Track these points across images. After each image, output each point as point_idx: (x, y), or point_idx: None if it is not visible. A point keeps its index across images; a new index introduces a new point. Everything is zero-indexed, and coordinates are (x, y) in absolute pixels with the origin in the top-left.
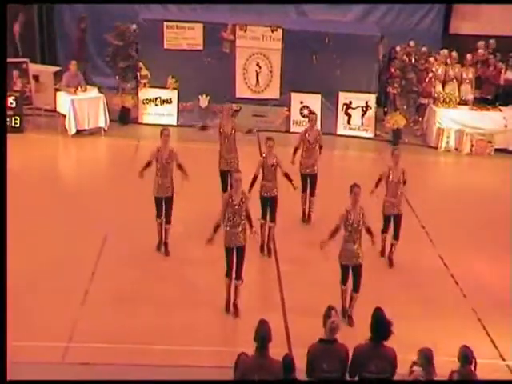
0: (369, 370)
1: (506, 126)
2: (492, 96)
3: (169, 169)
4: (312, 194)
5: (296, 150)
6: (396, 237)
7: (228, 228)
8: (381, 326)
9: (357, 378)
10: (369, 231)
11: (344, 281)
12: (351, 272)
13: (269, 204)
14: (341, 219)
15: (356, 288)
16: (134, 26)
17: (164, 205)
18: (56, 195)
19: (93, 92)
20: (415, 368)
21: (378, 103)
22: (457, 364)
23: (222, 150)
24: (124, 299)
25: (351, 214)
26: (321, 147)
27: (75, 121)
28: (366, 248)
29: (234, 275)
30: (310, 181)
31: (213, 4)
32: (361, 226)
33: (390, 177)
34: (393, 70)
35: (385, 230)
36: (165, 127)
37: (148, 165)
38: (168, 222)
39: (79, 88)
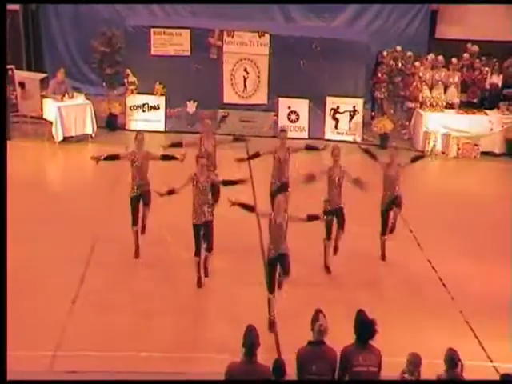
0: (357, 362)
1: (491, 130)
2: (478, 100)
3: (144, 170)
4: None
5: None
6: (391, 229)
7: (196, 206)
8: (365, 327)
9: (346, 378)
10: (356, 181)
11: (328, 234)
12: (336, 216)
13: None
14: (321, 173)
15: (341, 227)
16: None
17: (142, 200)
18: (43, 202)
19: (79, 99)
20: (406, 376)
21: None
22: (443, 367)
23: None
24: (112, 306)
25: (333, 170)
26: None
27: (62, 128)
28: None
29: (203, 253)
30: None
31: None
32: (341, 182)
33: (387, 172)
34: (380, 75)
35: (383, 232)
36: (139, 131)
37: (115, 157)
38: (147, 209)
39: (66, 95)
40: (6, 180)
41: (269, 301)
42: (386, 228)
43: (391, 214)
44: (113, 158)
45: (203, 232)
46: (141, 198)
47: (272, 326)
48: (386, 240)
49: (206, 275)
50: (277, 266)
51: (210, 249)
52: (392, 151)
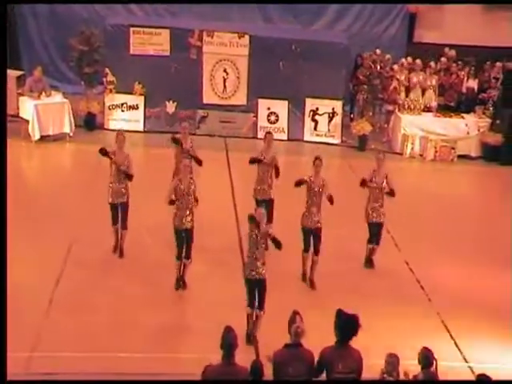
0: (337, 369)
1: (468, 133)
2: (455, 103)
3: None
4: (269, 220)
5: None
6: (377, 242)
7: (176, 210)
8: (348, 324)
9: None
10: (330, 199)
11: (306, 247)
12: (312, 236)
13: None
14: (305, 182)
15: (316, 251)
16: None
17: (119, 211)
18: (19, 202)
19: (57, 97)
20: (385, 376)
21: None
22: (419, 367)
23: (177, 169)
24: (89, 307)
25: (313, 181)
26: (277, 170)
27: (39, 126)
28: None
29: (183, 255)
30: (265, 207)
31: (181, 5)
32: (321, 192)
33: (373, 181)
34: (361, 77)
35: (370, 240)
36: (120, 131)
37: (106, 153)
38: (124, 227)
39: (43, 93)
40: (6, 180)
41: (248, 316)
42: (372, 235)
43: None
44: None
45: (184, 237)
46: (119, 208)
47: (250, 338)
48: (373, 247)
49: (184, 287)
50: (255, 288)
51: (187, 256)
52: (379, 157)
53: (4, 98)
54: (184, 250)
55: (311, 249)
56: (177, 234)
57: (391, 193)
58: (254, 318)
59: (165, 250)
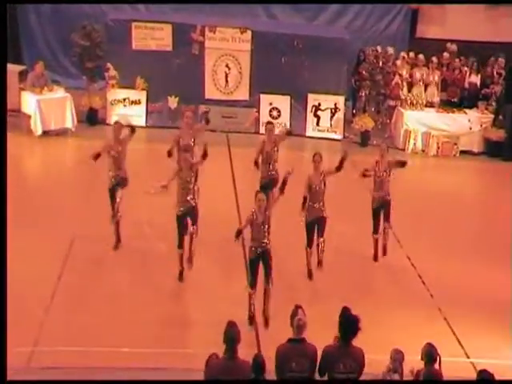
0: (338, 369)
1: (470, 129)
2: (457, 99)
3: (120, 160)
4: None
5: (256, 162)
6: (387, 220)
7: (179, 197)
8: (349, 325)
9: (326, 378)
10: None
11: (309, 243)
12: (316, 225)
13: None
14: (305, 187)
15: (321, 234)
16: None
17: (118, 186)
18: (21, 197)
19: (59, 92)
20: (391, 373)
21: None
22: (422, 363)
23: (179, 163)
24: (91, 302)
25: (313, 178)
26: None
27: (41, 121)
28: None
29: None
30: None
31: (184, 4)
32: (322, 189)
33: (377, 170)
34: (364, 72)
35: (375, 231)
36: (117, 121)
37: (98, 156)
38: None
39: (45, 88)
40: (6, 179)
41: (249, 296)
42: (378, 227)
43: (380, 237)
44: (97, 156)
45: (188, 218)
46: (117, 186)
47: (252, 320)
48: (378, 239)
49: (191, 261)
50: (258, 263)
51: (196, 233)
52: (382, 148)
53: (4, 96)
54: (192, 226)
55: (315, 241)
56: (179, 220)
57: (399, 163)
58: (263, 294)
59: (166, 244)
